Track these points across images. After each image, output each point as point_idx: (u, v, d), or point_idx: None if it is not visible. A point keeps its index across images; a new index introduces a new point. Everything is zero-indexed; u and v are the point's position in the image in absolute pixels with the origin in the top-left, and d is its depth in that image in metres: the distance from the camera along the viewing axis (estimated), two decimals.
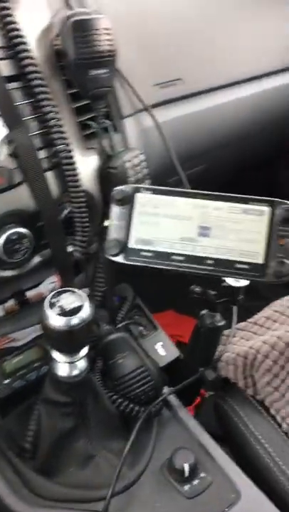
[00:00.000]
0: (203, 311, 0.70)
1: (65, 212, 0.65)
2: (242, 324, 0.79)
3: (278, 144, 1.30)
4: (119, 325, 0.78)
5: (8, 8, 0.58)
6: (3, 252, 0.59)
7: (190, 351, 0.74)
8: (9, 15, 0.58)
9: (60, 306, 0.53)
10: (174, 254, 0.57)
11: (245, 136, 1.03)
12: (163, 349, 0.79)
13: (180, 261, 0.57)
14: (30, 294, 0.69)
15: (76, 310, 0.53)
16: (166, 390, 0.70)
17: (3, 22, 0.58)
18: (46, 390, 0.61)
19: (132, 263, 0.58)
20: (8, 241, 0.59)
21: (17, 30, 0.58)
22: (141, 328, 0.81)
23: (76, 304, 0.53)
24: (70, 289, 0.55)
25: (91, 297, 0.72)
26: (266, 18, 1.03)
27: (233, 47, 0.95)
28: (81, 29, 0.59)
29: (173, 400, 0.71)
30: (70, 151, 0.63)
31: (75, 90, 0.66)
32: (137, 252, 0.58)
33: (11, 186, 0.59)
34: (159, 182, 0.92)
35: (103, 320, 0.71)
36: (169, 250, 0.57)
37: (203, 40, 0.91)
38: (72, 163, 0.63)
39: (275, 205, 0.55)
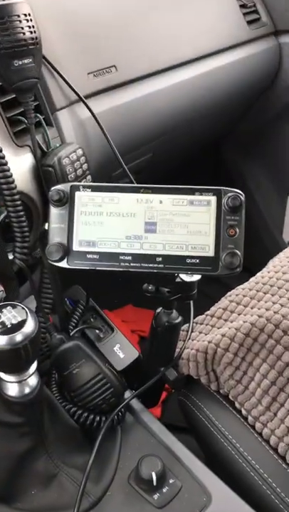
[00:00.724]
0: (158, 309, 0.68)
1: (1, 217, 0.60)
2: (200, 318, 0.77)
3: (223, 126, 1.29)
4: (74, 330, 0.74)
5: None
6: None
7: (149, 351, 0.71)
8: None
9: (2, 323, 0.48)
10: (121, 254, 0.53)
11: (187, 122, 1.00)
12: (121, 351, 0.75)
13: (128, 261, 0.54)
14: None
15: (19, 325, 0.48)
16: (127, 394, 0.67)
17: None
18: None
19: (77, 267, 0.54)
20: None
21: None
22: (97, 331, 0.78)
23: (19, 319, 0.49)
24: (10, 302, 0.50)
25: (39, 306, 0.68)
26: (200, 1, 1.00)
27: (166, 32, 0.92)
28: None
29: (136, 404, 0.68)
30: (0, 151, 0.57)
31: None
32: (81, 255, 0.54)
33: None
34: (102, 177, 0.88)
35: (54, 329, 0.66)
36: (116, 250, 0.53)
37: (135, 27, 0.87)
38: (4, 164, 0.58)
39: (222, 194, 0.52)
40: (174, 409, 0.97)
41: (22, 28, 0.56)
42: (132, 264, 0.54)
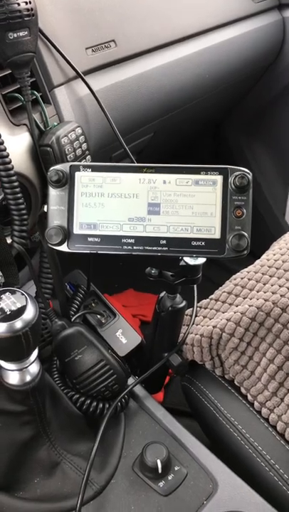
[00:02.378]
0: (162, 294, 0.66)
1: None
2: (204, 302, 0.75)
3: (226, 104, 1.25)
4: (75, 316, 0.72)
5: None
6: None
7: (152, 337, 0.69)
8: None
9: (1, 310, 0.46)
10: (123, 237, 0.51)
11: (189, 99, 0.97)
12: (123, 336, 0.74)
13: (131, 244, 0.52)
14: None
15: (19, 312, 0.46)
16: (131, 380, 0.66)
17: None
18: None
19: (78, 251, 0.52)
20: None
21: None
22: (98, 316, 0.76)
23: (18, 305, 0.47)
24: (10, 288, 0.48)
25: (38, 291, 0.66)
26: None
27: (168, 5, 0.88)
28: None
29: (139, 390, 0.67)
30: None
31: None
32: (82, 238, 0.52)
33: None
34: (102, 158, 0.85)
35: (54, 314, 0.64)
36: (118, 233, 0.51)
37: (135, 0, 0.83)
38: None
39: (228, 173, 0.50)
40: (177, 393, 0.96)
41: None
42: (134, 248, 0.52)
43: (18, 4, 0.53)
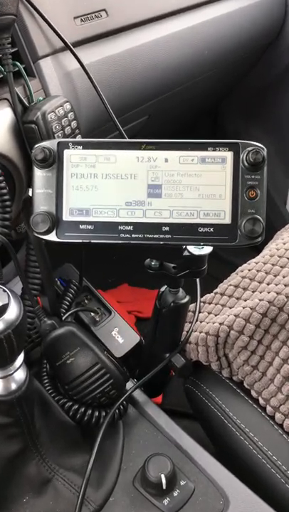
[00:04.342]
0: (162, 288, 0.59)
1: None
2: (208, 296, 0.68)
3: (224, 85, 1.18)
4: (67, 314, 0.65)
5: None
6: None
7: (152, 335, 0.63)
8: None
9: None
10: (120, 223, 0.45)
11: (186, 78, 0.90)
12: (120, 335, 0.68)
13: (129, 231, 0.45)
14: None
15: None
16: (129, 384, 0.60)
17: None
18: None
19: (68, 240, 0.46)
20: None
21: None
22: (92, 314, 0.70)
23: None
24: None
25: (25, 287, 0.59)
26: None
27: None
28: None
29: (139, 395, 0.60)
30: None
31: None
32: (73, 225, 0.45)
33: None
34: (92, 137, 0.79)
35: (43, 313, 0.58)
36: (114, 219, 0.45)
37: None
38: None
39: (239, 149, 0.44)
40: (176, 393, 0.90)
41: None
42: (133, 236, 0.45)
43: None
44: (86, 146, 0.46)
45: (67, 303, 0.68)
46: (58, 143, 0.45)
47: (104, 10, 0.71)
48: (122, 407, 0.57)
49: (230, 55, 0.97)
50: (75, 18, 0.67)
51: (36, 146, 0.45)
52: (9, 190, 0.53)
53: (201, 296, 0.69)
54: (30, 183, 0.55)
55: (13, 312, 0.40)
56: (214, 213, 0.45)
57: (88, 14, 0.68)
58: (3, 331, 0.39)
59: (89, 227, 0.45)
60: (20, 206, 0.58)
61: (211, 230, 0.45)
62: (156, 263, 0.55)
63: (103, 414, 0.55)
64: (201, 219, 0.45)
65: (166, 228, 0.45)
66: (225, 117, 1.30)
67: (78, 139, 0.60)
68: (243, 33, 0.97)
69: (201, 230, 0.45)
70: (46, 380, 0.58)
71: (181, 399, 0.74)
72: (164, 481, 0.50)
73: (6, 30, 0.51)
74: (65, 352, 0.55)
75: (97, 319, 0.69)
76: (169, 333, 0.62)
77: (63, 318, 0.64)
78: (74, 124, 0.59)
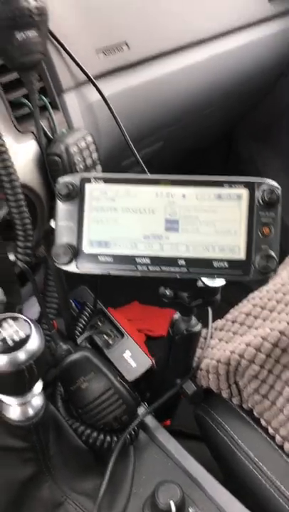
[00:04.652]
0: (176, 316, 0.61)
1: (1, 213, 0.52)
2: (220, 323, 0.70)
3: (238, 112, 1.20)
4: (82, 338, 0.67)
5: None
6: None
7: (165, 361, 0.64)
8: None
9: (2, 340, 0.41)
10: (138, 256, 0.47)
11: (202, 106, 0.92)
12: (132, 359, 0.69)
13: (146, 264, 0.47)
14: None
15: (22, 342, 0.41)
16: (140, 409, 0.61)
17: None
18: None
19: (88, 271, 0.47)
20: None
21: None
22: (105, 337, 0.71)
23: (21, 335, 0.42)
24: (11, 314, 0.43)
25: (43, 312, 0.61)
26: None
27: (181, 7, 0.84)
28: None
29: (149, 420, 0.62)
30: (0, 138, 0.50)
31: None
32: (93, 257, 0.47)
33: None
34: (111, 166, 0.81)
35: (59, 337, 0.59)
36: (132, 252, 0.47)
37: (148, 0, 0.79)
38: (4, 152, 0.51)
39: (254, 187, 0.45)
40: (185, 413, 0.91)
41: None
42: (150, 269, 0.47)
43: (28, 2, 0.49)
44: (107, 181, 0.48)
45: (82, 325, 0.70)
46: (82, 177, 0.48)
47: (125, 42, 0.73)
48: (133, 432, 0.58)
49: (246, 84, 0.99)
50: (97, 51, 0.69)
51: (61, 181, 0.47)
52: (31, 219, 0.55)
53: (213, 321, 0.70)
54: (51, 212, 0.58)
55: (35, 343, 0.42)
56: (229, 248, 0.46)
57: (110, 47, 0.71)
58: (26, 361, 0.41)
59: (108, 259, 0.47)
60: (40, 234, 0.60)
61: (226, 264, 0.46)
62: (171, 292, 0.56)
63: (115, 439, 0.57)
64: (217, 254, 0.46)
65: (183, 262, 0.47)
66: (239, 142, 1.32)
67: (100, 173, 0.62)
68: (259, 63, 0.99)
69: (216, 264, 0.46)
70: (60, 403, 0.59)
71: (189, 419, 0.74)
72: (173, 508, 0.51)
73: (35, 68, 0.54)
74: (79, 377, 0.56)
75: (110, 342, 0.71)
76: (181, 360, 0.63)
77: (78, 341, 0.65)
78: (95, 155, 0.61)
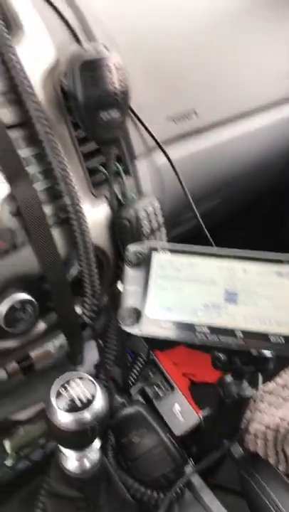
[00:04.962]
0: (228, 379, 0.63)
1: (74, 273, 0.57)
2: (270, 386, 0.71)
3: None
4: (134, 388, 0.70)
5: (11, 47, 0.51)
6: (4, 322, 0.51)
7: (212, 420, 0.66)
8: (12, 55, 0.51)
9: (71, 400, 0.45)
10: (198, 325, 0.49)
11: (261, 168, 0.96)
12: (181, 414, 0.71)
13: (205, 334, 0.50)
14: (35, 354, 0.61)
15: (88, 403, 0.45)
16: (187, 467, 0.62)
17: (4, 64, 0.51)
18: (52, 482, 0.53)
19: (150, 335, 0.51)
20: (10, 310, 0.51)
21: (20, 71, 0.51)
22: (156, 388, 0.74)
23: (87, 395, 0.45)
24: (77, 373, 0.47)
25: (102, 363, 0.65)
26: (279, 41, 0.96)
27: (245, 73, 0.88)
28: (91, 69, 0.52)
29: (195, 479, 0.63)
30: (78, 204, 0.55)
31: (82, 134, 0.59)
32: (155, 322, 0.50)
33: (14, 249, 0.51)
34: (171, 222, 0.85)
35: (115, 389, 0.62)
36: (192, 320, 0.49)
37: (216, 68, 0.84)
38: (82, 217, 0.55)
39: None
40: (226, 468, 0.90)
41: (113, 81, 0.54)
42: (209, 338, 0.50)
43: (114, 87, 0.54)
44: (173, 251, 0.51)
45: (135, 375, 0.73)
46: (150, 247, 0.51)
47: (194, 110, 0.78)
48: (179, 490, 0.60)
49: None
50: (168, 119, 0.75)
51: (131, 250, 0.51)
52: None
53: (262, 382, 0.71)
54: (117, 271, 0.62)
55: (99, 404, 0.45)
56: (286, 324, 0.48)
57: (180, 115, 0.76)
58: (90, 422, 0.44)
59: (169, 325, 0.50)
60: (105, 291, 0.64)
61: (282, 340, 0.48)
62: (225, 357, 0.58)
63: (162, 496, 0.58)
64: (274, 328, 0.48)
65: (240, 334, 0.49)
66: None
67: (166, 243, 0.65)
68: None
69: (272, 339, 0.48)
70: (111, 454, 0.62)
71: (231, 474, 0.74)
72: None
73: (115, 142, 0.59)
74: (131, 431, 0.59)
75: (160, 394, 0.73)
76: (230, 422, 0.65)
77: (132, 392, 0.68)
78: (160, 219, 0.65)
